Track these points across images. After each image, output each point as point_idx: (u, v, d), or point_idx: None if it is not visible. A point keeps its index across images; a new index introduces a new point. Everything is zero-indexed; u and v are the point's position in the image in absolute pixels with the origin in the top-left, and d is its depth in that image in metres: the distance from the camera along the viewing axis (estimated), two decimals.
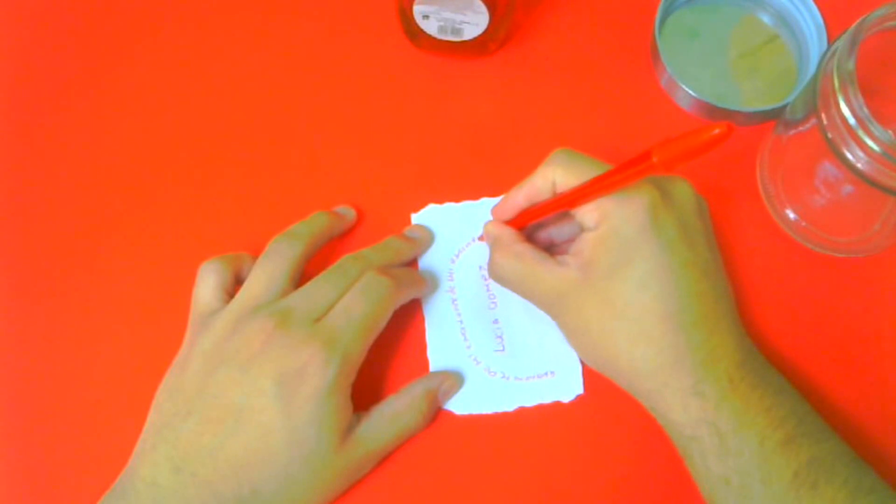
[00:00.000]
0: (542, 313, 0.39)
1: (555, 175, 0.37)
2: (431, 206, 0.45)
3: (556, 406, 0.41)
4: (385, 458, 0.40)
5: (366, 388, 0.40)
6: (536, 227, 0.41)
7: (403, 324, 0.42)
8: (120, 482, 0.37)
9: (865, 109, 0.34)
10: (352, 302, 0.38)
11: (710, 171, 0.44)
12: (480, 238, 0.44)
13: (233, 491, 0.35)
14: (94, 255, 0.44)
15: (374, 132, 0.47)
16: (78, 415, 0.41)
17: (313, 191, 0.45)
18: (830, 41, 0.45)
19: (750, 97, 0.47)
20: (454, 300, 0.43)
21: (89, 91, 0.48)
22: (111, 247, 0.44)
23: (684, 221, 0.37)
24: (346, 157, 0.46)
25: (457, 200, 0.45)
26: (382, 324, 0.39)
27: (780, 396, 0.36)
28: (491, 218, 0.41)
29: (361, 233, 0.44)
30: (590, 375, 0.42)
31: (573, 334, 0.38)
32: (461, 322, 0.43)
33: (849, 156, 0.36)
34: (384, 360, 0.42)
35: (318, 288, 0.39)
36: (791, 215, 0.44)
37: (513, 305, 0.43)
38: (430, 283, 0.43)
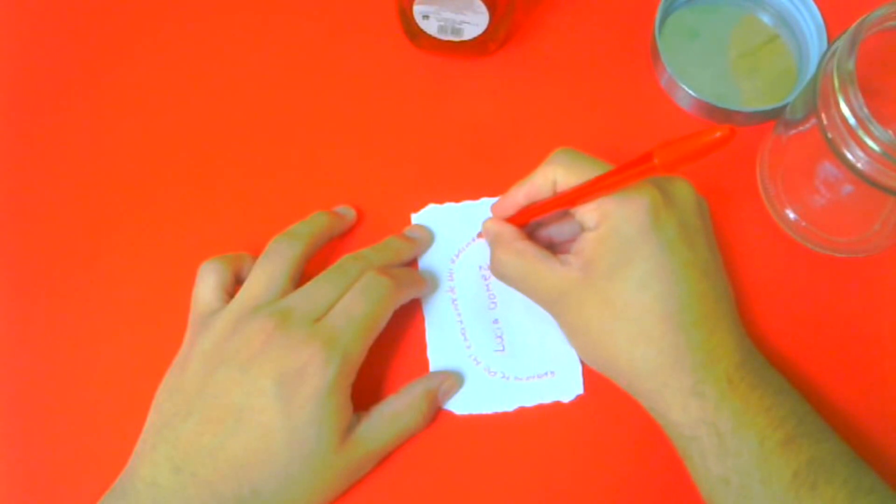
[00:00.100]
0: (542, 313, 0.39)
1: (556, 174, 0.37)
2: (431, 206, 0.45)
3: (556, 406, 0.41)
4: (385, 458, 0.40)
5: (366, 388, 0.40)
6: (536, 227, 0.41)
7: (403, 324, 0.42)
8: (120, 482, 0.37)
9: (865, 109, 0.34)
10: (352, 302, 0.38)
11: (710, 171, 0.44)
12: (479, 235, 0.44)
13: (233, 491, 0.35)
14: (95, 256, 0.44)
15: (374, 132, 0.47)
16: (78, 415, 0.41)
17: (313, 191, 0.45)
18: (830, 41, 0.45)
19: (750, 97, 0.47)
20: (454, 300, 0.43)
21: (89, 91, 0.48)
22: (111, 247, 0.44)
23: (685, 222, 0.37)
24: (346, 157, 0.46)
25: (457, 200, 0.45)
26: (382, 324, 0.39)
27: (780, 396, 0.36)
28: (490, 216, 0.41)
29: (361, 233, 0.44)
30: (590, 375, 0.42)
31: (573, 333, 0.38)
32: (461, 322, 0.43)
33: (849, 156, 0.36)
34: (384, 360, 0.42)
35: (318, 288, 0.39)
36: (791, 215, 0.44)
37: (513, 305, 0.43)
38: (430, 283, 0.43)
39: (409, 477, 0.40)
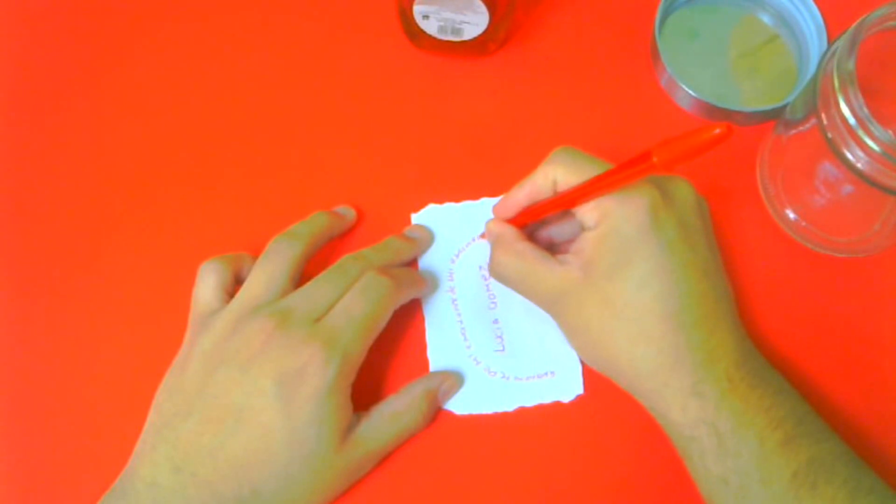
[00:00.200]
0: (542, 313, 0.39)
1: (556, 174, 0.37)
2: (431, 206, 0.45)
3: (556, 406, 0.41)
4: (385, 458, 0.40)
5: (366, 388, 0.40)
6: (537, 227, 0.41)
7: (403, 324, 0.42)
8: (120, 482, 0.37)
9: (865, 109, 0.34)
10: (352, 302, 0.38)
11: (710, 171, 0.44)
12: (482, 236, 0.44)
13: (233, 491, 0.35)
14: (95, 255, 0.44)
15: (374, 132, 0.47)
16: (78, 415, 0.41)
17: (313, 191, 0.45)
18: (830, 41, 0.45)
19: (750, 97, 0.47)
20: (454, 300, 0.43)
21: (89, 91, 0.48)
22: (111, 247, 0.44)
23: (685, 221, 0.37)
24: (346, 157, 0.46)
25: (457, 200, 0.45)
26: (382, 324, 0.39)
27: (780, 396, 0.36)
28: (492, 216, 0.41)
29: (361, 233, 0.44)
30: (590, 375, 0.42)
31: (573, 334, 0.38)
32: (461, 322, 0.43)
33: (849, 156, 0.36)
34: (384, 360, 0.42)
35: (318, 288, 0.39)
36: (791, 215, 0.44)
37: (513, 305, 0.43)
38: (430, 283, 0.43)
39: (409, 477, 0.40)
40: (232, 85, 0.48)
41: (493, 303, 0.43)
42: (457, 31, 0.45)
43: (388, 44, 0.48)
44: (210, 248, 0.42)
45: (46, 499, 0.40)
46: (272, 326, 0.37)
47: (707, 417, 0.35)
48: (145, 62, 0.48)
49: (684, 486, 0.37)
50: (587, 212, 0.36)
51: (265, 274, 0.39)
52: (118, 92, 0.48)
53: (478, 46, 0.46)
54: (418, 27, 0.45)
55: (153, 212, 0.45)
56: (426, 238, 0.44)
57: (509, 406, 0.41)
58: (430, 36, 0.45)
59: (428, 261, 0.44)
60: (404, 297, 0.40)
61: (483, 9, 0.42)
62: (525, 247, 0.38)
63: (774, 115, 0.45)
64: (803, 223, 0.44)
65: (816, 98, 0.37)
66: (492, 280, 0.43)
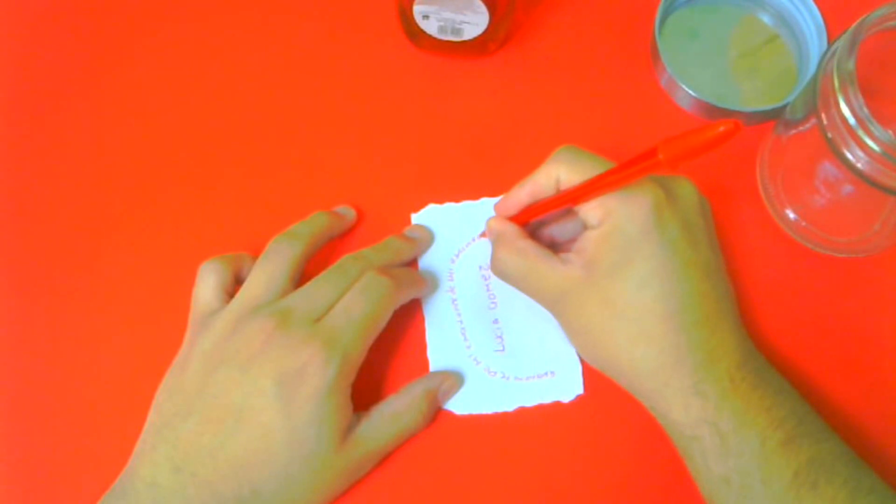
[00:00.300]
0: (542, 313, 0.39)
1: (559, 172, 0.37)
2: (431, 206, 0.45)
3: (556, 406, 0.41)
4: (385, 458, 0.40)
5: (366, 388, 0.40)
6: (539, 225, 0.41)
7: (403, 324, 0.42)
8: (120, 482, 0.37)
9: (865, 109, 0.34)
10: (352, 302, 0.38)
11: (711, 170, 0.44)
12: (483, 234, 0.44)
13: (233, 491, 0.35)
14: (95, 255, 0.44)
15: (374, 132, 0.47)
16: (78, 415, 0.41)
17: (313, 191, 0.45)
18: (830, 41, 0.45)
19: (750, 97, 0.47)
20: (454, 300, 0.43)
21: (89, 91, 0.48)
22: (112, 247, 0.44)
23: (687, 221, 0.37)
24: (346, 157, 0.46)
25: (457, 200, 0.45)
26: (382, 324, 0.39)
27: (781, 396, 0.36)
28: (493, 215, 0.41)
29: (361, 233, 0.44)
30: (590, 375, 0.42)
31: (574, 332, 0.38)
32: (461, 322, 0.43)
33: (849, 156, 0.36)
34: (384, 360, 0.42)
35: (318, 288, 0.39)
36: (791, 215, 0.44)
37: (513, 305, 0.43)
38: (430, 283, 0.43)
39: (409, 477, 0.40)
40: (232, 85, 0.48)
41: (493, 303, 0.43)
42: (457, 31, 0.45)
43: (388, 44, 0.48)
44: (210, 248, 0.42)
45: (46, 499, 0.40)
46: (272, 326, 0.37)
47: (708, 417, 0.35)
48: (145, 62, 0.48)
49: (684, 486, 0.37)
50: (590, 210, 0.36)
51: (265, 274, 0.39)
52: (118, 92, 0.48)
53: (478, 46, 0.46)
54: (418, 27, 0.45)
55: (153, 212, 0.45)
56: (426, 238, 0.44)
57: (509, 406, 0.41)
58: (430, 36, 0.45)
59: (428, 261, 0.44)
60: (404, 297, 0.40)
61: (483, 9, 0.42)
62: (527, 245, 0.38)
63: (774, 115, 0.46)
64: (803, 223, 0.44)
65: (816, 98, 0.37)
66: (492, 280, 0.43)
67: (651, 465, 0.40)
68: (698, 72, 0.47)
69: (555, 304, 0.38)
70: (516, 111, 0.47)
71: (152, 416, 0.38)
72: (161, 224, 0.45)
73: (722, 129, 0.29)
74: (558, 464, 0.41)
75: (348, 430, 0.37)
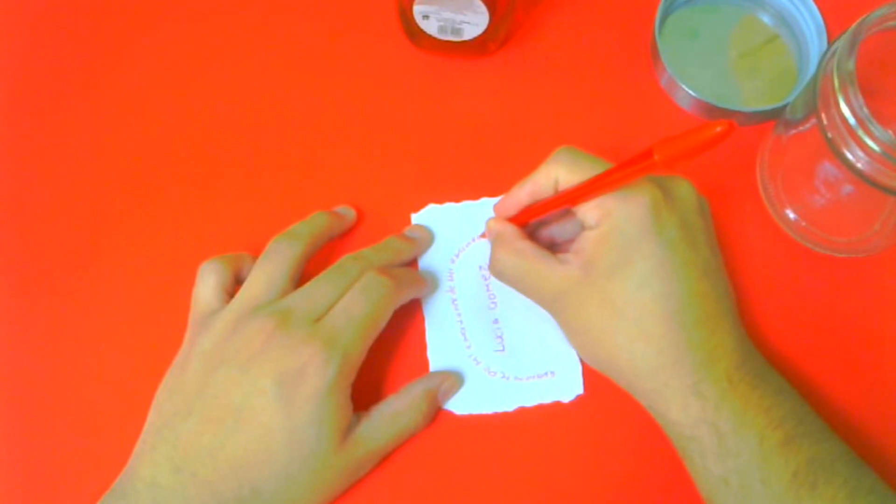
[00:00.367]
0: (542, 313, 0.39)
1: (558, 173, 0.37)
2: (431, 206, 0.45)
3: (556, 406, 0.41)
4: (385, 458, 0.40)
5: (366, 388, 0.40)
6: (538, 226, 0.41)
7: (403, 324, 0.42)
8: (120, 482, 0.37)
9: (865, 109, 0.34)
10: (352, 302, 0.38)
11: (711, 170, 0.44)
12: (483, 235, 0.44)
13: (233, 491, 0.35)
14: (95, 255, 0.44)
15: (374, 132, 0.47)
16: (78, 415, 0.41)
17: (313, 191, 0.45)
18: (830, 41, 0.45)
19: (750, 97, 0.47)
20: (454, 300, 0.43)
21: (89, 91, 0.48)
22: (111, 247, 0.44)
23: (686, 221, 0.37)
24: (346, 157, 0.46)
25: (457, 200, 0.45)
26: (382, 324, 0.39)
27: (780, 396, 0.36)
28: (493, 215, 0.41)
29: (361, 233, 0.44)
30: (590, 375, 0.42)
31: (573, 333, 0.38)
32: (461, 322, 0.43)
33: (849, 156, 0.36)
34: (384, 360, 0.42)
35: (318, 288, 0.39)
36: (791, 215, 0.44)
37: (513, 305, 0.43)
38: (430, 283, 0.43)
39: (409, 477, 0.40)
40: (232, 85, 0.48)
41: (493, 303, 0.43)
42: (457, 31, 0.45)
43: (388, 44, 0.48)
44: (210, 248, 0.42)
45: (46, 499, 0.40)
46: (272, 326, 0.37)
47: (707, 417, 0.35)
48: (145, 62, 0.48)
49: (684, 486, 0.37)
50: (588, 210, 0.36)
51: (265, 274, 0.39)
52: (118, 92, 0.48)
53: (478, 46, 0.46)
54: (418, 27, 0.45)
55: (153, 212, 0.45)
56: (426, 238, 0.44)
57: (509, 406, 0.41)
58: (430, 36, 0.45)
59: (428, 261, 0.44)
60: (404, 297, 0.40)
61: (483, 9, 0.42)
62: (525, 245, 0.38)
63: (774, 115, 0.45)
64: (803, 223, 0.44)
65: (816, 98, 0.37)
66: (492, 280, 0.43)
67: (651, 465, 0.40)
68: (698, 72, 0.47)
69: (553, 304, 0.38)
70: (516, 111, 0.47)
71: (152, 416, 0.38)
72: (161, 224, 0.45)
73: (717, 129, 0.29)
74: (558, 464, 0.41)
75: (348, 430, 0.37)
